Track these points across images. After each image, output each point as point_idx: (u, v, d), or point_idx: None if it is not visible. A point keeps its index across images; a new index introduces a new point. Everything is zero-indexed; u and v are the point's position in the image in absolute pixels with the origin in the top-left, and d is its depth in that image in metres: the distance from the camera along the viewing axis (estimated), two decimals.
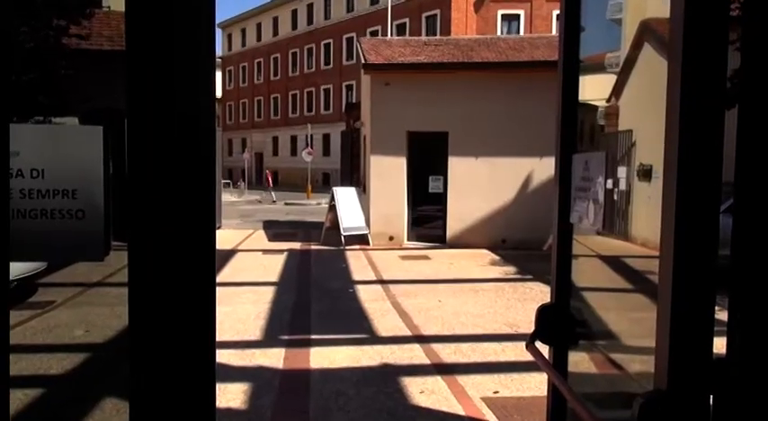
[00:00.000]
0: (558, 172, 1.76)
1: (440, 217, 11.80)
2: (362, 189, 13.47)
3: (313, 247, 11.64)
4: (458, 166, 11.46)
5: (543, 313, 1.81)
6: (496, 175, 11.37)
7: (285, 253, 10.85)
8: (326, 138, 41.79)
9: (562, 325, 1.83)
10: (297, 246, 11.89)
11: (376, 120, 11.64)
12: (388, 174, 11.61)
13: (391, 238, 11.65)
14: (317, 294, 7.51)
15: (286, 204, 26.01)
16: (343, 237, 11.46)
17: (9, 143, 0.99)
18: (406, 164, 11.67)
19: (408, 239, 11.82)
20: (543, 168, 10.94)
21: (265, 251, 11.01)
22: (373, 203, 11.71)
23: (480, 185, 11.41)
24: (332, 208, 12.12)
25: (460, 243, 11.30)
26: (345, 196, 12.06)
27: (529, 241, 11.10)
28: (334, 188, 12.19)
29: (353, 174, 15.76)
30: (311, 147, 30.52)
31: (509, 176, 11.36)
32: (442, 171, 11.61)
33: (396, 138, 11.55)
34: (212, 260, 0.98)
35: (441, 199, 11.66)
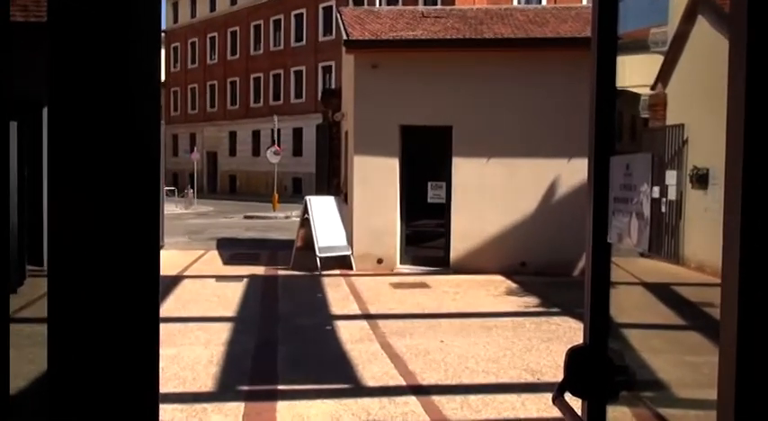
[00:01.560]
0: (591, 178, 1.78)
1: (441, 234, 11.88)
2: (344, 198, 13.52)
3: (281, 272, 11.65)
4: (464, 170, 11.53)
5: (574, 357, 1.79)
6: (514, 181, 11.45)
7: (245, 280, 10.84)
8: (298, 133, 42.02)
9: (598, 372, 1.82)
10: (260, 270, 11.87)
11: (361, 111, 11.70)
12: (377, 179, 11.67)
13: (380, 261, 11.67)
14: (285, 333, 7.50)
15: (246, 218, 26.02)
16: (318, 260, 11.47)
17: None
18: (398, 166, 11.73)
19: (402, 262, 11.87)
20: (573, 173, 11.05)
21: (220, 277, 11.01)
22: (357, 217, 11.75)
23: (493, 194, 11.49)
24: (304, 222, 12.14)
25: (468, 267, 11.35)
26: (322, 207, 12.10)
27: (555, 265, 11.16)
28: (308, 197, 12.22)
29: (332, 180, 15.83)
30: (278, 146, 30.63)
31: (530, 183, 11.46)
32: (445, 176, 11.71)
33: (386, 133, 11.63)
34: (155, 290, 0.98)
35: (443, 211, 11.75)
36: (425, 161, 12.14)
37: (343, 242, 11.96)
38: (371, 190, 11.68)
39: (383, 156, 11.65)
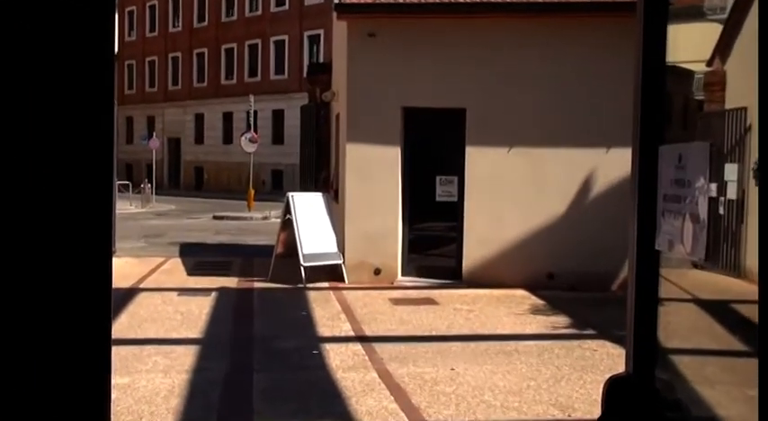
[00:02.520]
0: (635, 172, 1.78)
1: (452, 239, 11.89)
2: (334, 196, 13.49)
3: (257, 285, 11.67)
4: (480, 162, 11.55)
5: (614, 389, 1.79)
6: (540, 176, 11.47)
7: (213, 294, 10.86)
8: (278, 116, 42.11)
9: (643, 407, 1.82)
10: (231, 282, 11.89)
11: (355, 89, 11.72)
12: (374, 172, 11.68)
13: (378, 272, 11.68)
14: (262, 359, 7.51)
15: (215, 218, 26.10)
16: (303, 270, 11.48)
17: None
18: (400, 157, 11.75)
19: (404, 273, 11.87)
20: (612, 165, 11.05)
21: (183, 291, 11.02)
22: (350, 218, 11.76)
23: (515, 191, 11.50)
24: (286, 224, 12.15)
25: (484, 279, 11.34)
26: (308, 207, 12.11)
27: (590, 277, 11.18)
28: (291, 194, 12.23)
29: (320, 173, 15.84)
30: (255, 132, 30.61)
31: (559, 178, 11.48)
32: (457, 169, 11.72)
33: (385, 117, 11.64)
34: (106, 307, 0.97)
35: (454, 211, 11.77)
36: (433, 151, 12.08)
37: (333, 249, 11.96)
38: (367, 185, 11.67)
39: (382, 145, 11.65)
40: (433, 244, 12.23)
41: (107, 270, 0.96)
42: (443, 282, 11.66)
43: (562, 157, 11.44)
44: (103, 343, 0.96)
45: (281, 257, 12.25)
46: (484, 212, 11.53)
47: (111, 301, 0.94)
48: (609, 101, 10.77)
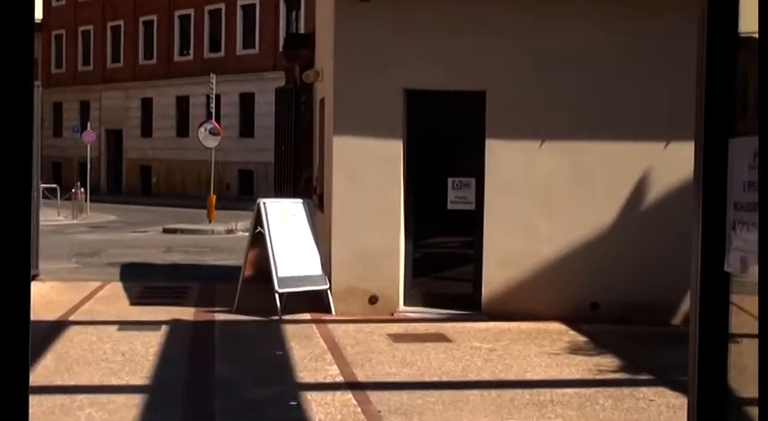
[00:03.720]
0: (699, 172, 1.77)
1: (469, 258, 11.88)
2: (318, 203, 13.43)
3: (219, 318, 11.65)
4: (505, 159, 11.56)
5: None
6: (582, 177, 11.51)
7: (164, 328, 10.83)
8: (247, 102, 42.27)
9: None
10: (187, 314, 11.88)
11: (344, 67, 11.73)
12: (369, 173, 11.69)
13: (373, 300, 11.69)
14: (226, 412, 7.46)
15: (167, 232, 26.07)
16: (278, 298, 11.47)
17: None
18: (402, 153, 11.76)
19: (407, 302, 11.87)
20: (674, 164, 11.05)
21: (125, 324, 11.00)
22: (339, 231, 11.76)
23: (549, 196, 11.51)
24: (257, 240, 12.17)
25: (510, 309, 11.31)
26: (284, 217, 12.13)
27: (646, 307, 11.17)
28: (263, 201, 12.22)
29: (300, 175, 15.87)
30: (217, 122, 30.59)
31: (606, 179, 11.51)
32: (474, 168, 11.73)
33: (383, 103, 11.65)
34: (23, 344, 0.97)
35: (471, 223, 11.77)
36: (444, 146, 12.09)
37: (317, 270, 11.97)
38: (361, 190, 11.67)
39: (379, 138, 11.66)
40: (445, 264, 12.24)
41: (23, 298, 0.93)
42: (457, 313, 11.65)
43: (610, 154, 11.45)
44: (17, 391, 0.94)
45: (251, 282, 12.24)
46: (509, 224, 11.51)
47: (28, 338, 0.92)
48: (670, 84, 10.80)
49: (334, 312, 11.67)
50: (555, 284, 11.44)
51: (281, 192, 16.28)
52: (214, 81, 31.23)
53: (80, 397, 7.67)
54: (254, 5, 42.01)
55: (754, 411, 1.95)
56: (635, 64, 11.30)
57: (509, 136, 11.56)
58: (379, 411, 7.39)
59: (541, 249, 11.51)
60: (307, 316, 11.62)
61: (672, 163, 11.03)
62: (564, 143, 11.51)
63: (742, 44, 1.87)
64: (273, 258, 11.63)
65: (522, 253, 11.50)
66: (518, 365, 9.17)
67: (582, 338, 10.45)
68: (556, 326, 11.00)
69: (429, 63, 11.56)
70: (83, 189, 31.75)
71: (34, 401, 6.61)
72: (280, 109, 17.54)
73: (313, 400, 7.69)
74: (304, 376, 8.61)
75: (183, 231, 26.14)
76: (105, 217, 31.18)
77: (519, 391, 8.07)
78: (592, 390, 8.12)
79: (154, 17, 47.11)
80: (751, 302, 1.90)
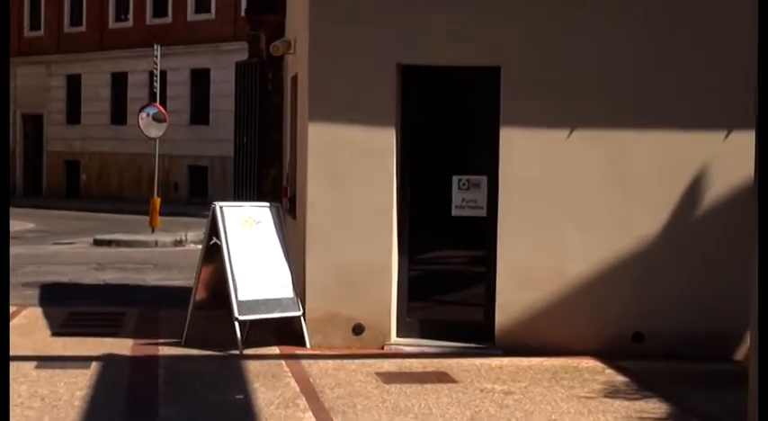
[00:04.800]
0: (758, 170, 1.78)
1: (479, 277, 11.93)
2: (289, 207, 13.43)
3: (165, 352, 11.64)
4: (524, 152, 11.59)
5: None
6: (621, 174, 11.54)
7: (94, 365, 10.79)
8: (201, 80, 42.38)
9: None
10: (124, 347, 11.85)
11: (322, 37, 11.77)
12: (353, 170, 11.72)
13: (359, 330, 11.69)
14: None
15: (98, 244, 26.04)
16: (239, 327, 11.46)
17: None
18: (396, 145, 11.77)
19: (401, 332, 11.88)
20: (737, 158, 11.00)
21: (45, 361, 10.96)
22: (315, 243, 11.78)
23: (580, 199, 11.55)
24: (212, 253, 12.16)
25: (531, 342, 11.36)
26: (246, 225, 12.13)
27: (701, 338, 11.19)
28: (220, 205, 12.19)
29: (267, 171, 15.88)
30: (163, 105, 30.46)
31: (652, 177, 11.53)
32: (485, 163, 11.79)
33: (371, 81, 11.67)
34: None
35: (481, 232, 11.83)
36: (448, 135, 12.11)
37: (288, 293, 11.98)
38: (343, 191, 11.71)
39: (366, 126, 11.68)
40: (448, 285, 12.29)
41: None
42: (464, 346, 11.68)
43: (656, 145, 11.48)
44: None
45: (204, 307, 12.25)
46: (529, 234, 11.54)
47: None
48: (733, 60, 10.87)
49: (309, 345, 11.68)
50: (587, 310, 11.47)
51: (242, 193, 16.24)
52: (159, 54, 31.16)
53: None
54: None
55: None
56: (689, 34, 11.41)
57: (530, 123, 11.58)
58: None
59: (570, 266, 11.54)
60: (275, 350, 11.62)
61: (734, 158, 11.05)
62: (599, 132, 11.55)
63: None
64: (233, 277, 11.62)
65: (545, 271, 11.53)
66: (541, 412, 9.12)
67: (621, 378, 10.45)
68: (588, 362, 11.04)
69: (429, 31, 11.60)
70: None
71: None
72: (241, 89, 17.46)
73: None
74: None
75: (118, 243, 26.09)
76: (20, 225, 30.95)
77: None
78: None
79: None
80: None
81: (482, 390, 9.88)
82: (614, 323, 11.42)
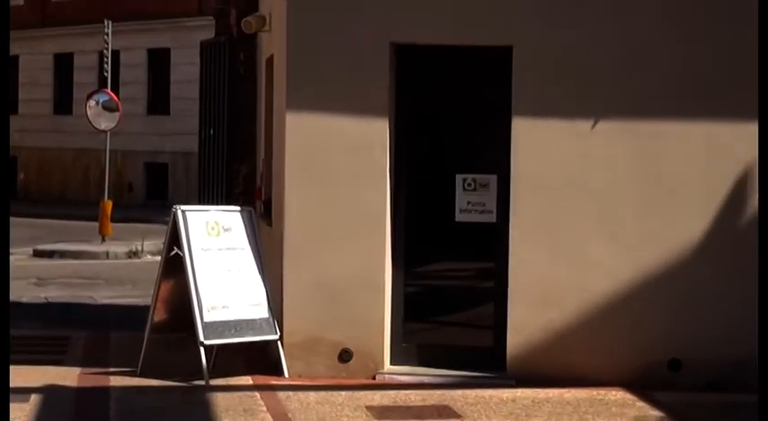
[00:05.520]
0: None
1: (487, 294, 11.99)
2: (263, 212, 13.46)
3: (117, 383, 11.63)
4: (540, 147, 11.61)
5: None
6: (655, 174, 11.56)
7: (34, 398, 10.79)
8: (160, 61, 42.56)
9: None
10: (69, 377, 11.84)
11: (303, 11, 11.79)
12: (339, 168, 11.74)
13: (346, 356, 11.71)
14: None
15: (38, 255, 26.11)
16: (204, 353, 11.44)
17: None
18: (389, 139, 11.79)
19: (395, 360, 11.92)
20: None
21: None
22: (294, 253, 11.79)
23: (607, 203, 11.58)
24: (172, 266, 12.14)
25: (548, 370, 11.37)
26: (213, 233, 12.11)
27: (748, 367, 11.01)
28: (181, 209, 12.13)
29: (236, 171, 15.92)
30: (115, 92, 30.39)
31: (691, 177, 11.56)
32: (495, 160, 11.83)
33: (360, 64, 11.70)
34: None
35: (490, 241, 11.89)
36: (451, 127, 12.16)
37: (262, 312, 11.96)
38: (327, 193, 11.73)
39: (354, 116, 11.69)
40: (452, 303, 12.30)
41: None
42: (470, 375, 11.69)
43: (699, 140, 11.51)
44: None
45: (163, 330, 12.26)
46: (547, 244, 11.58)
47: None
48: None
49: (287, 374, 11.66)
50: (615, 333, 11.49)
51: (208, 196, 16.24)
52: (110, 31, 31.09)
53: None
54: None
55: None
56: (735, 6, 11.39)
57: (547, 112, 11.60)
58: None
59: (595, 281, 11.56)
60: (247, 379, 11.62)
61: None
62: (630, 123, 11.56)
63: None
64: (197, 294, 11.58)
65: (566, 286, 11.56)
66: None
67: (655, 412, 10.47)
68: (617, 394, 11.07)
69: (429, 5, 11.65)
70: None
71: None
72: (207, 73, 17.56)
73: None
74: None
75: (63, 254, 26.09)
76: None
77: None
78: None
79: None
80: None
81: None
82: (647, 348, 11.43)
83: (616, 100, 11.54)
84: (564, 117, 11.58)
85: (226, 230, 12.19)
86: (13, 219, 36.15)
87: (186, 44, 36.18)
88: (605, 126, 11.55)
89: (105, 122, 28.39)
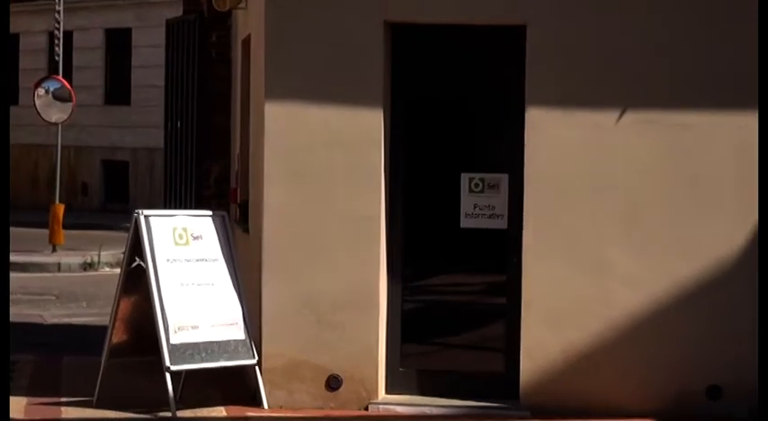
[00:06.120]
0: None
1: (497, 311, 11.98)
2: (239, 217, 13.48)
3: (69, 415, 11.64)
4: (557, 141, 11.60)
5: None
6: (689, 172, 11.54)
7: None
8: (118, 43, 42.63)
9: None
10: (14, 409, 11.54)
11: None
12: (326, 166, 11.71)
13: (335, 383, 11.69)
14: None
15: None
16: (171, 380, 11.37)
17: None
18: (384, 133, 11.78)
19: (391, 388, 11.91)
20: None
21: None
22: (274, 264, 11.78)
23: (635, 205, 11.56)
24: (134, 280, 12.09)
25: (567, 399, 11.39)
26: (180, 242, 12.07)
27: None
28: (144, 214, 12.06)
29: (208, 168, 15.98)
30: (67, 79, 30.33)
31: (732, 176, 11.54)
32: (506, 156, 11.88)
33: (350, 46, 11.70)
34: None
35: (500, 250, 11.89)
36: (455, 119, 12.18)
37: (238, 333, 11.89)
38: (313, 195, 11.70)
39: (344, 106, 11.67)
40: (456, 322, 12.23)
41: None
42: (478, 405, 11.69)
43: (739, 135, 11.47)
44: None
45: (123, 354, 12.20)
46: (566, 253, 11.56)
47: None
48: None
49: (266, 405, 11.59)
50: (645, 356, 11.48)
51: (176, 198, 16.19)
52: (61, 8, 31.03)
53: None
54: None
55: None
56: None
57: (566, 101, 11.59)
58: None
59: (621, 297, 11.54)
60: (220, 411, 11.63)
61: None
62: (660, 115, 11.54)
63: None
64: (162, 313, 11.51)
65: (587, 303, 11.55)
66: None
67: None
68: None
69: None
70: None
71: None
72: (174, 56, 17.58)
73: None
74: None
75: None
76: None
77: None
78: None
79: None
80: None
81: None
82: (682, 374, 11.41)
83: (644, 89, 11.53)
84: (586, 107, 11.56)
85: (196, 238, 12.12)
86: None
87: (150, 23, 36.20)
88: (632, 118, 11.54)
89: (56, 114, 28.32)
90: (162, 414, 11.23)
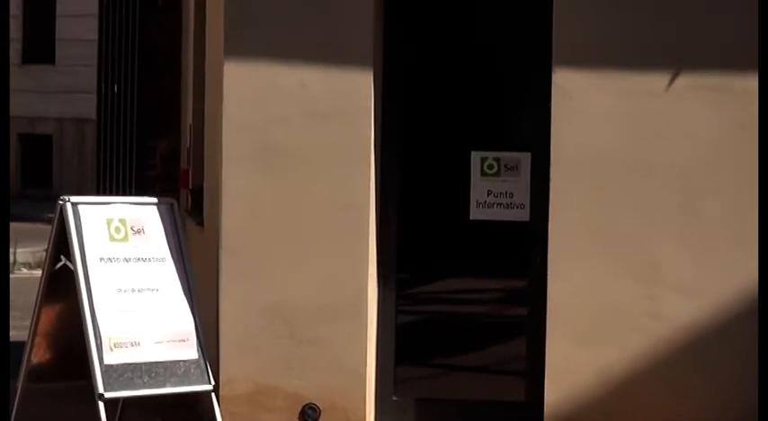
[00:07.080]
0: None
1: (516, 325, 12.06)
2: (191, 205, 13.60)
3: None
4: (591, 113, 11.58)
5: None
6: (753, 151, 11.45)
7: None
8: (40, 15, 42.37)
9: None
10: None
11: None
12: (301, 142, 11.70)
13: (311, 414, 11.72)
14: None
15: None
16: (104, 410, 11.29)
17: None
18: (374, 101, 11.79)
19: (382, 418, 11.93)
20: None
21: None
22: (235, 265, 11.79)
23: (688, 194, 11.55)
24: (58, 282, 12.02)
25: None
26: (116, 236, 11.99)
27: None
28: (71, 202, 11.96)
29: (153, 144, 15.83)
30: None
31: None
32: (527, 132, 11.93)
33: (329, 5, 11.66)
34: None
35: (520, 247, 11.94)
36: (463, 85, 12.16)
37: (190, 352, 11.85)
38: (283, 179, 11.74)
39: (323, 66, 11.70)
40: (464, 339, 12.25)
41: None
42: None
43: None
44: None
45: (45, 378, 12.18)
46: (601, 252, 11.59)
47: None
48: None
49: None
50: (698, 379, 11.54)
51: (110, 181, 16.07)
52: None
53: None
54: None
55: None
56: None
57: (603, 64, 11.58)
58: None
59: (670, 306, 11.57)
60: None
61: None
62: (723, 79, 11.50)
63: None
64: (94, 325, 11.43)
65: (628, 314, 11.56)
66: None
67: None
68: None
69: None
70: None
71: None
72: (109, 3, 17.35)
73: None
74: None
75: None
76: None
77: None
78: None
79: None
80: None
81: None
82: (744, 396, 11.31)
83: (702, 46, 11.53)
84: (627, 70, 11.55)
85: (136, 232, 12.07)
86: None
87: None
88: (686, 82, 11.55)
89: None
90: None
